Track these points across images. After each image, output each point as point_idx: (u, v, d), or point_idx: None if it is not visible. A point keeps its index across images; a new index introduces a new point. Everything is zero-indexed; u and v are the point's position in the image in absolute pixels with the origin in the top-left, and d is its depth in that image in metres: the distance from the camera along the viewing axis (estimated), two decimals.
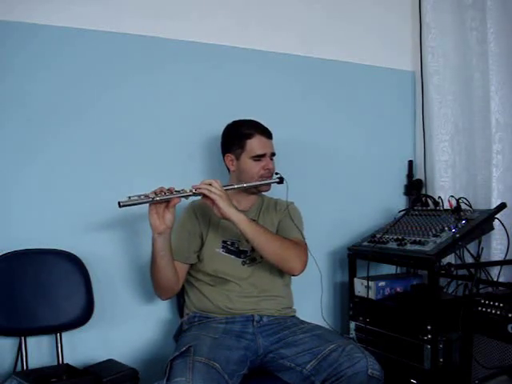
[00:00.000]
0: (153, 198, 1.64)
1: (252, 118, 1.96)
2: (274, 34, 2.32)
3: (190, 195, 1.73)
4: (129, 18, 2.03)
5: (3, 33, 1.84)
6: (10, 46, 1.86)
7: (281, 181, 1.93)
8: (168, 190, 1.68)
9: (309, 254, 1.90)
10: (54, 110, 1.93)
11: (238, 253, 1.90)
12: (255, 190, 1.94)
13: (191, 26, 2.15)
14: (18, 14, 1.85)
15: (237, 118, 1.97)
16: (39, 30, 1.88)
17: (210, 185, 1.71)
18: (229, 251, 1.90)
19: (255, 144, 1.90)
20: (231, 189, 1.83)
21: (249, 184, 1.88)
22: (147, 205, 1.66)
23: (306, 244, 1.91)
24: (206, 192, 1.70)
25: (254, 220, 1.93)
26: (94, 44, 1.99)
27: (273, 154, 1.95)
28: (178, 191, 1.69)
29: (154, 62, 2.09)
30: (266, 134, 1.93)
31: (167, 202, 1.68)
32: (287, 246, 1.82)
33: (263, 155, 1.91)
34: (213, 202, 1.71)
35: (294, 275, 1.90)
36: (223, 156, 1.97)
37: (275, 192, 2.00)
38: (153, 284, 1.85)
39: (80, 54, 1.97)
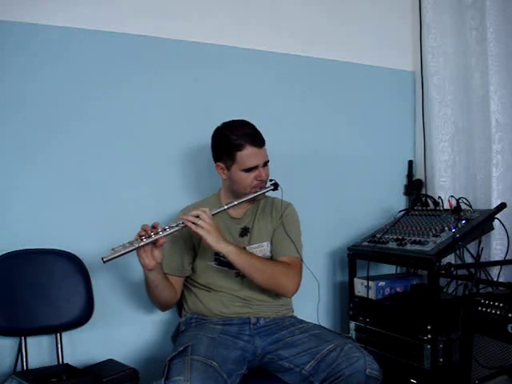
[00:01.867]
0: (137, 246, 1.61)
1: (243, 119, 1.86)
2: (274, 34, 2.32)
3: (176, 231, 1.68)
4: (129, 18, 2.03)
5: (3, 33, 1.84)
6: (10, 46, 1.86)
7: (275, 187, 1.85)
8: (152, 227, 1.65)
9: (304, 267, 1.87)
10: (54, 110, 1.92)
11: (230, 264, 1.80)
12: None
13: (191, 26, 2.15)
14: (18, 14, 1.85)
15: (236, 118, 1.89)
16: (39, 30, 1.88)
17: (198, 217, 1.66)
18: (221, 263, 1.85)
19: (246, 156, 1.77)
20: (222, 211, 1.77)
21: (239, 201, 1.79)
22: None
23: (300, 260, 1.87)
24: (192, 227, 1.66)
25: (246, 228, 1.90)
26: (94, 44, 1.99)
27: (266, 162, 1.84)
28: (165, 229, 1.65)
29: (153, 62, 2.09)
30: (258, 142, 1.79)
31: (154, 242, 1.65)
32: (279, 273, 1.79)
33: (255, 166, 1.80)
34: (201, 236, 1.67)
35: (287, 297, 1.89)
36: (214, 162, 1.88)
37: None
38: (150, 301, 1.87)
39: (80, 53, 1.97)
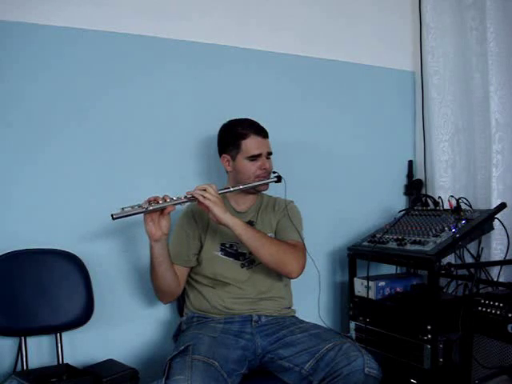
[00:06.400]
0: (146, 208, 1.65)
1: (248, 117, 1.94)
2: (274, 34, 2.32)
3: (184, 202, 1.72)
4: (129, 18, 2.03)
5: (3, 33, 1.84)
6: (10, 46, 1.86)
7: (278, 180, 1.91)
8: (162, 198, 1.68)
9: (307, 255, 1.89)
10: (54, 110, 1.93)
11: (236, 255, 1.89)
12: (253, 190, 1.93)
13: (191, 26, 2.15)
14: (18, 14, 1.85)
15: (236, 118, 1.95)
16: (39, 30, 1.89)
17: (205, 190, 1.70)
18: (227, 254, 1.89)
19: (250, 144, 1.87)
20: (227, 192, 1.82)
21: (245, 186, 1.86)
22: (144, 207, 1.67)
23: (304, 245, 1.90)
24: (200, 198, 1.69)
25: (251, 222, 1.92)
26: (94, 44, 1.99)
27: (269, 153, 1.93)
28: (172, 198, 1.69)
29: (153, 61, 2.09)
30: (262, 133, 1.91)
31: (162, 209, 1.68)
32: (284, 250, 1.81)
33: (259, 155, 1.88)
34: (207, 208, 1.70)
35: (291, 278, 1.90)
36: (219, 156, 1.96)
37: (275, 192, 2.00)
38: (154, 289, 1.86)
39: (80, 54, 1.97)
